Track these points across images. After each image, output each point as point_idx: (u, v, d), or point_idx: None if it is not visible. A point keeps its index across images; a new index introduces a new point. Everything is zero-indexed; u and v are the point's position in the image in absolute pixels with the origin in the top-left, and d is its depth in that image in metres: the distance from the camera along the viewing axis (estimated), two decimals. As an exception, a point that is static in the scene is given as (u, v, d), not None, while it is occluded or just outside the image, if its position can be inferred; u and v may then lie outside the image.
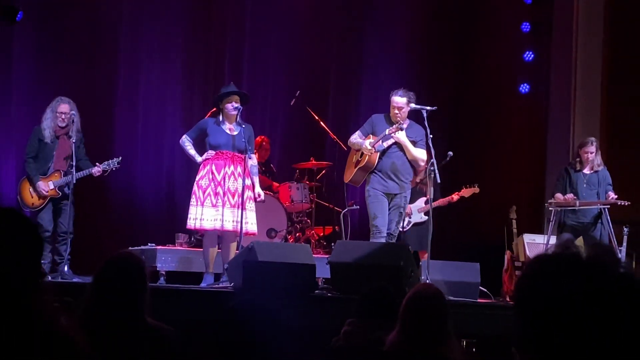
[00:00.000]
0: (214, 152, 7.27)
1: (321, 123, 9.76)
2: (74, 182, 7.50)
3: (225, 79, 10.05)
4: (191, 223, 7.23)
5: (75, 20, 9.77)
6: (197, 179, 7.29)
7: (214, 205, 7.16)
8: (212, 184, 7.19)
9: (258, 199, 7.41)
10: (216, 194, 7.17)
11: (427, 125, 7.23)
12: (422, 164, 7.56)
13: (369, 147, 7.40)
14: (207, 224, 7.16)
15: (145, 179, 9.87)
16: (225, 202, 7.15)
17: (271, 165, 10.12)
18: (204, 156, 7.31)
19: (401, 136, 7.38)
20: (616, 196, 7.97)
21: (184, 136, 7.51)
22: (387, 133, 7.34)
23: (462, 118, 10.52)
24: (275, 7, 10.65)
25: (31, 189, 7.65)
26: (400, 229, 8.70)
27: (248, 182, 7.27)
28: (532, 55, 10.82)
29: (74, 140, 7.57)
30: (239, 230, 7.09)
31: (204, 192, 7.20)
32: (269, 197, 9.17)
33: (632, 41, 10.12)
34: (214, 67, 10.51)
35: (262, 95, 10.59)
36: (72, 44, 9.72)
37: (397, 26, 10.85)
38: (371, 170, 7.43)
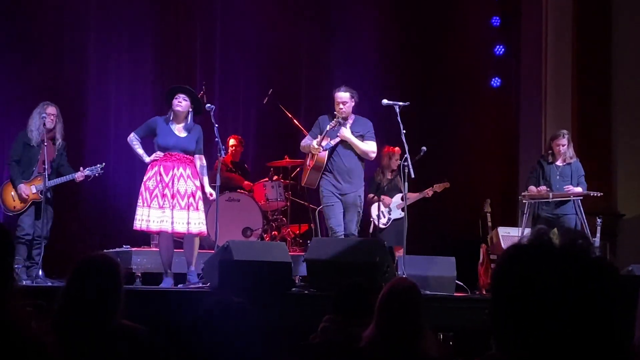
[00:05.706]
0: (162, 154, 7.16)
1: (294, 121, 9.74)
2: (47, 187, 7.47)
3: (197, 80, 10.00)
4: (137, 224, 7.11)
5: (42, 21, 9.67)
6: (144, 179, 7.15)
7: (160, 207, 7.03)
8: (160, 185, 7.06)
9: (210, 198, 7.36)
10: (163, 195, 7.04)
11: (399, 120, 7.23)
12: (373, 155, 7.58)
13: (316, 146, 7.46)
14: (154, 226, 7.05)
15: (118, 180, 9.79)
16: (175, 205, 7.04)
17: (245, 165, 10.08)
18: (152, 157, 7.17)
19: (345, 133, 7.44)
20: (572, 188, 8.06)
21: (132, 134, 7.37)
22: (327, 129, 7.43)
23: (434, 113, 10.55)
24: (245, 5, 10.62)
25: (13, 193, 7.62)
26: (382, 226, 8.74)
27: (198, 183, 7.21)
28: (503, 49, 10.89)
29: (57, 146, 7.58)
30: (189, 231, 7.08)
31: (150, 194, 7.06)
32: (244, 196, 9.14)
33: (601, 33, 10.20)
34: (185, 67, 10.45)
35: (234, 94, 10.56)
36: (40, 45, 9.61)
37: (366, 21, 10.85)
38: (322, 169, 7.47)
